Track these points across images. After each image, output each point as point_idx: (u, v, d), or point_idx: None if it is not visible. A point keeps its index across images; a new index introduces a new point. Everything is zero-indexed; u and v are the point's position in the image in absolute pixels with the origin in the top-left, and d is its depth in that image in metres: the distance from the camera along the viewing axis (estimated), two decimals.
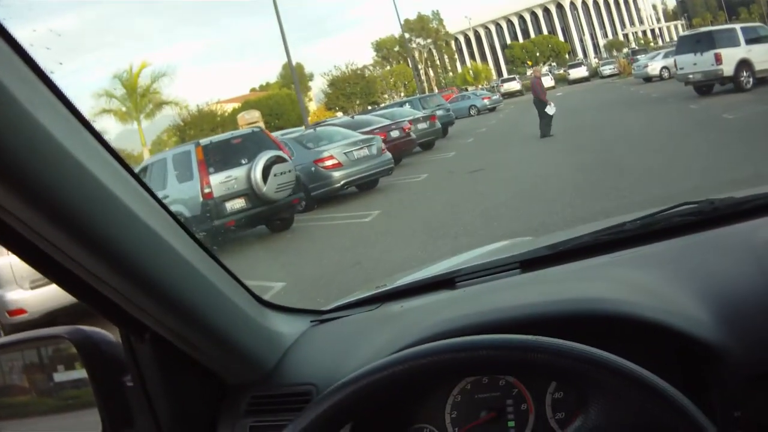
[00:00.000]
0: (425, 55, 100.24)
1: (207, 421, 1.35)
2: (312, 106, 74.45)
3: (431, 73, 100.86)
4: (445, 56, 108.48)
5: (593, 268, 1.41)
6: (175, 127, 48.22)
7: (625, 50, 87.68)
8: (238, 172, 11.76)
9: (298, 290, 7.54)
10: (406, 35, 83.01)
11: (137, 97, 45.10)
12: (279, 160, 11.84)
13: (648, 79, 36.46)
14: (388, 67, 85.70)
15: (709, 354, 1.07)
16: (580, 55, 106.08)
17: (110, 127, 47.99)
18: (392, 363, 0.98)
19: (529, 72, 62.42)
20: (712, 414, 1.02)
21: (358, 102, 64.47)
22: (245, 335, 1.28)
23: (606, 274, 1.35)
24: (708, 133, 13.14)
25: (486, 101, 43.78)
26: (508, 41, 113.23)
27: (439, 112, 26.41)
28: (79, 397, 1.40)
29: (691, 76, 20.56)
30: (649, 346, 1.12)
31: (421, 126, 22.00)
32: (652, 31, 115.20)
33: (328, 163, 14.20)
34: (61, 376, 1.44)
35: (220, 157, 11.90)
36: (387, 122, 19.66)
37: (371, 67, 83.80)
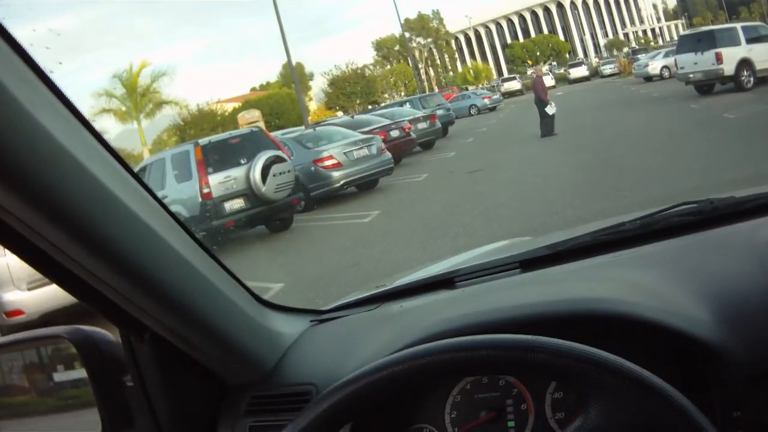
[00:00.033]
0: (425, 54, 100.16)
1: (207, 421, 1.36)
2: (312, 106, 74.45)
3: (431, 72, 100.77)
4: (446, 55, 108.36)
5: (592, 268, 1.41)
6: (175, 126, 48.15)
7: (626, 49, 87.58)
8: (237, 172, 11.71)
9: (297, 291, 7.51)
10: (407, 34, 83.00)
11: (137, 97, 45.05)
12: (278, 160, 11.80)
13: (648, 78, 36.41)
14: (389, 67, 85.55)
15: (709, 354, 1.07)
16: (581, 54, 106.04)
17: (110, 127, 48.04)
18: (392, 363, 0.98)
19: (529, 71, 62.48)
20: (712, 414, 1.02)
21: (358, 101, 64.42)
22: (245, 335, 1.28)
23: (605, 274, 1.35)
24: (709, 132, 13.12)
25: (486, 101, 43.68)
26: (509, 40, 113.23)
27: (440, 112, 26.34)
28: (78, 396, 1.40)
29: (691, 75, 20.51)
30: (648, 346, 1.12)
31: (421, 125, 21.94)
32: (653, 30, 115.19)
33: (328, 163, 14.16)
34: (60, 375, 1.45)
35: (219, 157, 11.85)
36: (387, 122, 19.62)
37: (371, 67, 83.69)
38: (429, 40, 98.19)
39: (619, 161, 11.84)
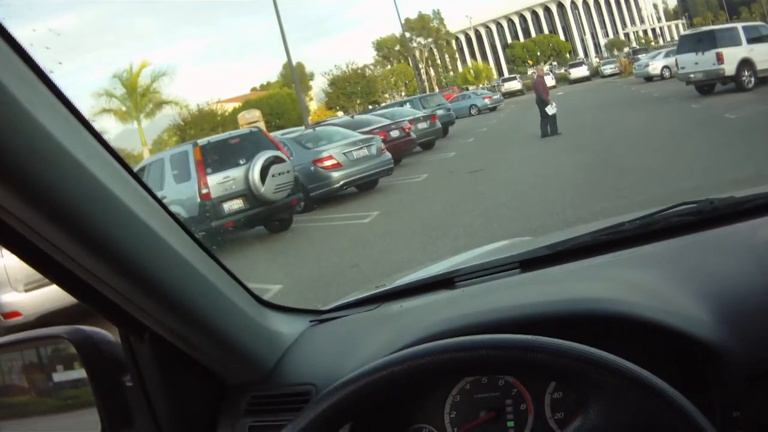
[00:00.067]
0: (426, 54, 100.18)
1: (206, 421, 1.35)
2: (313, 106, 74.45)
3: (432, 72, 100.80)
4: (446, 55, 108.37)
5: (592, 268, 1.41)
6: (175, 126, 48.15)
7: (626, 49, 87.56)
8: (236, 173, 11.68)
9: (296, 293, 7.48)
10: (407, 34, 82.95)
11: (137, 97, 45.03)
12: (277, 160, 11.76)
13: (649, 78, 36.38)
14: (389, 67, 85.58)
15: (708, 354, 1.07)
16: (581, 54, 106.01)
17: (110, 127, 48.04)
18: (391, 363, 0.98)
19: (530, 71, 62.41)
20: (712, 414, 1.02)
21: (358, 101, 64.46)
22: (245, 335, 1.28)
23: (605, 274, 1.35)
24: (709, 132, 13.10)
25: (487, 101, 43.65)
26: (509, 40, 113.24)
27: (440, 112, 26.33)
28: (78, 397, 1.40)
29: (692, 75, 20.48)
30: (648, 346, 1.12)
31: (422, 126, 21.92)
32: (653, 30, 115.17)
33: (327, 163, 14.14)
34: (60, 376, 1.45)
35: (218, 157, 11.82)
36: (387, 122, 19.60)
37: (372, 67, 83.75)
38: (429, 40, 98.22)
39: (619, 161, 11.83)
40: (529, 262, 1.52)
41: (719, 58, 19.30)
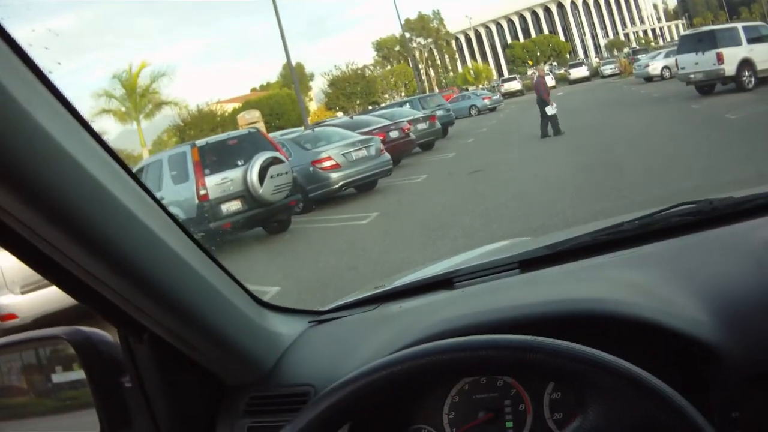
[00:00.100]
0: (426, 54, 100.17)
1: (205, 422, 1.36)
2: (312, 106, 74.40)
3: (432, 72, 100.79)
4: (446, 56, 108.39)
5: (591, 269, 1.41)
6: (175, 127, 48.12)
7: (626, 50, 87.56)
8: (234, 174, 11.65)
9: (293, 295, 7.44)
10: (407, 35, 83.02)
11: (137, 97, 44.97)
12: (275, 161, 11.74)
13: (649, 78, 36.36)
14: (389, 67, 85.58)
15: (707, 354, 1.07)
16: (581, 54, 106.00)
17: (110, 128, 47.96)
18: (390, 363, 0.97)
19: (529, 72, 62.32)
20: (710, 414, 1.02)
21: (358, 102, 64.45)
22: (244, 336, 1.28)
23: (604, 275, 1.35)
24: (710, 133, 13.09)
25: (486, 101, 43.64)
26: (509, 41, 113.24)
27: (439, 112, 26.33)
28: (77, 397, 1.41)
29: (692, 75, 20.45)
30: (647, 347, 1.12)
31: (421, 126, 21.92)
32: (653, 30, 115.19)
33: (326, 164, 14.12)
34: (59, 377, 1.46)
35: (216, 158, 11.79)
36: (386, 122, 19.59)
37: (372, 67, 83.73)
38: (429, 40, 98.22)
39: (619, 162, 11.80)
40: (528, 263, 1.52)
41: (719, 59, 19.27)
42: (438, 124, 23.76)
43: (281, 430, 0.99)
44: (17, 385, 1.58)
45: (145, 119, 46.32)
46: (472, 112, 41.98)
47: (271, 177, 11.57)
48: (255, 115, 32.20)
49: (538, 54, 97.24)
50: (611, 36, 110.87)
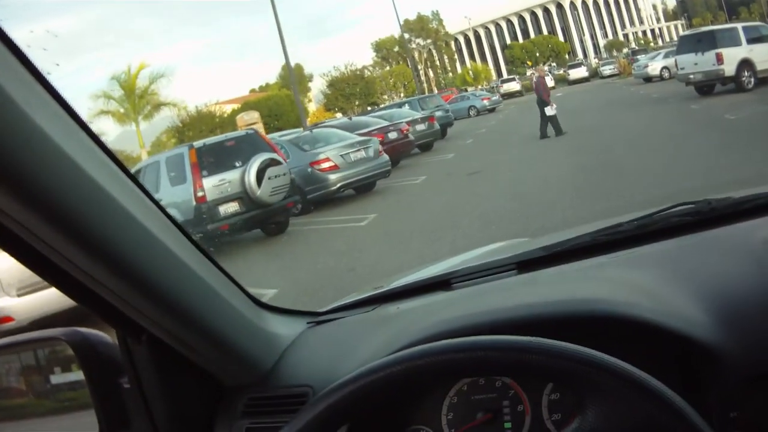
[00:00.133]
0: (425, 55, 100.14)
1: (204, 423, 1.36)
2: (311, 107, 74.34)
3: (431, 73, 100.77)
4: (445, 57, 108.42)
5: (590, 269, 1.41)
6: (174, 128, 48.06)
7: (625, 50, 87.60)
8: (231, 175, 11.62)
9: (291, 297, 7.40)
10: (406, 35, 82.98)
11: (135, 99, 44.88)
12: (273, 162, 11.71)
13: (648, 79, 36.33)
14: (388, 68, 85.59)
15: (706, 355, 1.07)
16: (580, 55, 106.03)
17: (109, 129, 48.03)
18: (389, 364, 0.97)
19: (529, 72, 62.33)
20: (709, 414, 1.02)
21: (357, 103, 64.42)
22: (242, 337, 1.28)
23: (603, 275, 1.35)
24: (710, 133, 13.07)
25: (485, 102, 43.59)
26: (508, 41, 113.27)
27: (438, 113, 26.31)
28: (76, 398, 1.41)
29: (692, 76, 20.42)
30: (646, 347, 1.11)
31: (420, 127, 21.91)
32: (652, 31, 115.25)
33: (324, 165, 14.10)
34: (57, 377, 1.46)
35: (214, 159, 11.77)
36: (385, 124, 19.57)
37: (371, 68, 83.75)
38: (428, 41, 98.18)
39: (619, 163, 11.80)
40: (526, 264, 1.52)
41: (719, 59, 19.24)
42: (437, 125, 23.73)
43: (279, 431, 0.99)
44: (16, 386, 1.58)
45: (144, 120, 46.28)
46: (471, 112, 41.97)
47: (269, 178, 11.55)
48: (254, 116, 32.19)
49: (537, 55, 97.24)
50: (610, 36, 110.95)
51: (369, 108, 51.20)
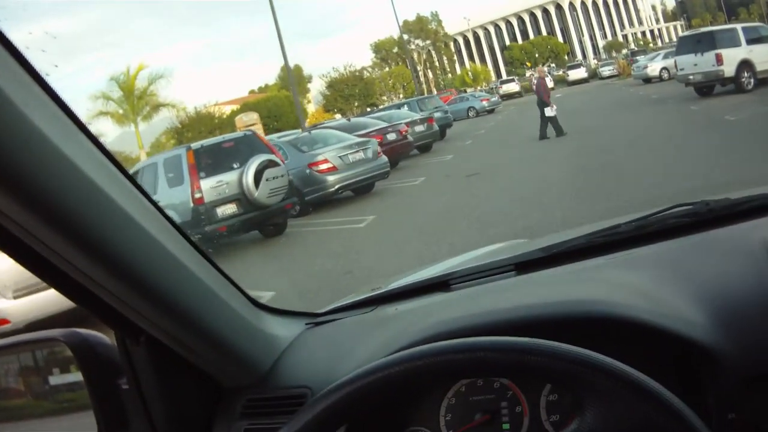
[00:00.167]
0: (424, 56, 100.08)
1: (202, 424, 1.36)
2: (311, 108, 74.31)
3: (430, 74, 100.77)
4: (444, 58, 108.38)
5: (588, 270, 1.41)
6: (173, 129, 48.03)
7: (625, 51, 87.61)
8: (229, 177, 11.58)
9: (288, 300, 7.33)
10: (405, 36, 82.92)
11: (134, 100, 44.86)
12: (271, 164, 11.68)
13: (647, 80, 36.30)
14: (387, 69, 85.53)
15: (704, 356, 1.07)
16: (579, 56, 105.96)
17: (108, 130, 47.97)
18: (387, 365, 0.97)
19: (528, 73, 62.36)
20: (707, 416, 1.03)
21: (356, 104, 64.40)
22: (241, 338, 1.29)
23: (601, 276, 1.35)
24: (710, 135, 13.06)
25: (485, 103, 43.54)
26: (507, 42, 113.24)
27: (437, 114, 26.23)
28: (74, 399, 1.42)
29: (691, 77, 20.39)
30: (644, 349, 1.12)
31: (419, 128, 21.86)
32: (651, 31, 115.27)
33: (323, 166, 14.05)
34: (56, 378, 1.47)
35: (212, 161, 11.74)
36: (384, 125, 19.52)
37: (370, 69, 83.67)
38: (428, 42, 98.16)
39: (619, 164, 11.78)
40: (524, 265, 1.52)
41: (718, 60, 19.21)
42: (436, 126, 23.68)
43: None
44: (15, 387, 1.59)
45: (143, 121, 46.28)
46: (471, 113, 41.94)
47: (267, 180, 11.52)
48: (253, 117, 32.17)
49: (537, 56, 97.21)
50: (609, 37, 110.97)
51: (368, 109, 51.18)
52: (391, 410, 1.28)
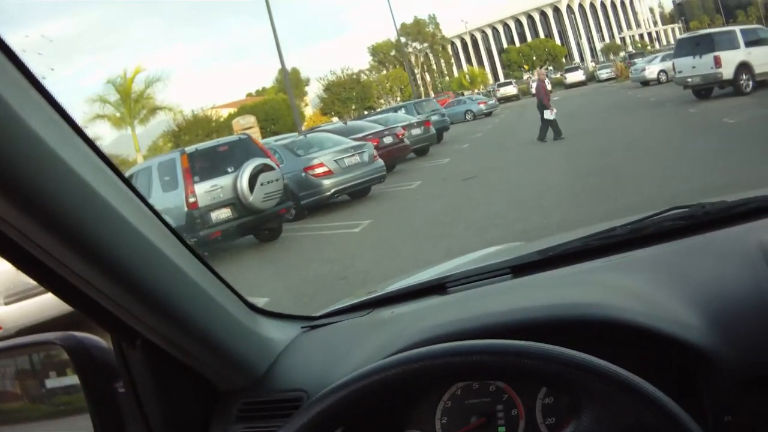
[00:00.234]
0: (421, 59, 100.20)
1: (198, 427, 1.36)
2: (308, 111, 74.29)
3: (427, 77, 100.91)
4: (442, 60, 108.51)
5: (584, 273, 1.41)
6: (169, 132, 47.98)
7: (623, 54, 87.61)
8: (224, 181, 11.51)
9: (283, 305, 7.23)
10: (403, 39, 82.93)
11: (131, 103, 44.85)
12: (266, 168, 11.59)
13: (645, 82, 36.33)
14: (384, 72, 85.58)
15: (701, 359, 1.07)
16: (577, 58, 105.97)
17: (104, 133, 47.99)
18: (383, 368, 0.97)
19: (525, 76, 62.36)
20: (703, 418, 1.03)
21: (354, 107, 64.38)
22: (237, 341, 1.29)
23: (597, 279, 1.35)
24: (708, 137, 13.05)
25: (482, 106, 43.55)
26: (505, 45, 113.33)
27: (434, 117, 26.17)
28: (71, 403, 1.43)
29: (689, 79, 20.37)
30: (640, 352, 1.12)
31: (415, 132, 21.82)
32: (649, 34, 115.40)
33: (318, 170, 13.99)
34: (53, 382, 1.47)
35: (206, 165, 11.66)
36: (380, 128, 19.45)
37: (367, 72, 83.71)
38: (425, 45, 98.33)
39: (616, 167, 11.76)
40: (520, 268, 1.52)
41: (717, 62, 19.21)
42: (433, 130, 23.66)
43: None
44: (11, 390, 1.59)
45: (140, 124, 46.26)
46: (468, 116, 41.96)
47: (262, 184, 11.45)
48: (250, 120, 32.08)
49: (534, 59, 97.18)
50: (607, 40, 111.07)
51: (366, 112, 51.18)
52: (387, 413, 1.28)
